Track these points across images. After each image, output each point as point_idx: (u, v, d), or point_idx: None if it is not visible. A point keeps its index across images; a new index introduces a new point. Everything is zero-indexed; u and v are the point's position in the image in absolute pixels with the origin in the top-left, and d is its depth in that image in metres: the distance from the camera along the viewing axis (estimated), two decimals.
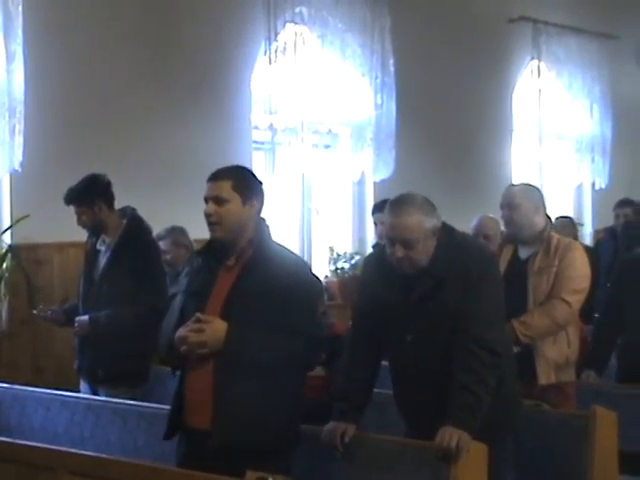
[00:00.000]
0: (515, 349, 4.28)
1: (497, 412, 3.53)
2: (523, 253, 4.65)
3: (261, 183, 3.69)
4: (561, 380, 4.49)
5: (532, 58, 9.54)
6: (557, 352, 4.48)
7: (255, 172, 3.78)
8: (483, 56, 9.03)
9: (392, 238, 3.54)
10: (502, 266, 4.55)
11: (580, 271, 4.54)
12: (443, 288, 3.52)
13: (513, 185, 4.95)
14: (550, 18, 9.58)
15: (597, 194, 9.97)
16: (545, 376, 4.45)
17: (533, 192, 4.73)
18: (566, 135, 9.96)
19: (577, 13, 9.86)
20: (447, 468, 3.36)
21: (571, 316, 4.51)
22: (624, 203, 8.39)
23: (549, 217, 4.96)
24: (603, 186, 10.10)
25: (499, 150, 9.29)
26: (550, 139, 9.78)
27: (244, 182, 3.60)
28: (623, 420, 4.08)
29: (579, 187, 10.32)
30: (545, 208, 4.76)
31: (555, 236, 4.64)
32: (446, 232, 3.60)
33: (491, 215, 6.35)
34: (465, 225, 6.32)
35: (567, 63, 9.83)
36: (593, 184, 10.02)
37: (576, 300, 4.49)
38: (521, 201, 4.62)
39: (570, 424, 4.00)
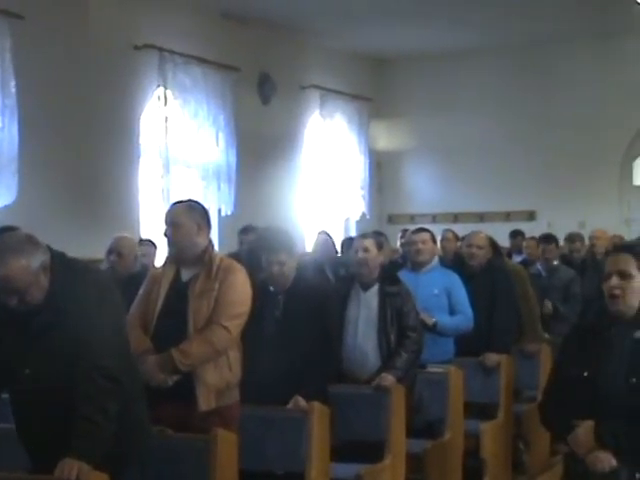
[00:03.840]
0: (173, 378, 4.26)
1: (121, 441, 3.48)
2: (185, 275, 4.45)
3: None
4: (223, 404, 4.36)
5: (158, 85, 9.62)
6: (218, 377, 4.34)
7: None
8: (109, 81, 8.98)
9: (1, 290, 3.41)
10: (164, 288, 4.42)
11: (240, 295, 4.41)
12: (62, 318, 3.43)
13: (178, 202, 4.60)
14: (176, 47, 9.74)
15: (223, 220, 10.21)
16: (205, 402, 4.29)
17: (196, 211, 4.50)
18: (193, 162, 10.14)
19: (202, 44, 10.10)
20: None
21: (230, 342, 4.37)
22: (247, 229, 8.38)
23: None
24: (229, 213, 10.38)
25: (126, 176, 9.27)
26: (177, 166, 9.91)
27: None
28: (245, 440, 4.22)
29: None
30: (210, 228, 4.55)
31: (218, 257, 4.48)
32: (60, 262, 3.51)
33: (126, 235, 6.35)
34: (93, 249, 6.25)
35: (193, 92, 10.04)
36: (219, 210, 10.26)
37: (235, 325, 4.35)
38: (184, 220, 4.40)
39: (194, 447, 4.04)
